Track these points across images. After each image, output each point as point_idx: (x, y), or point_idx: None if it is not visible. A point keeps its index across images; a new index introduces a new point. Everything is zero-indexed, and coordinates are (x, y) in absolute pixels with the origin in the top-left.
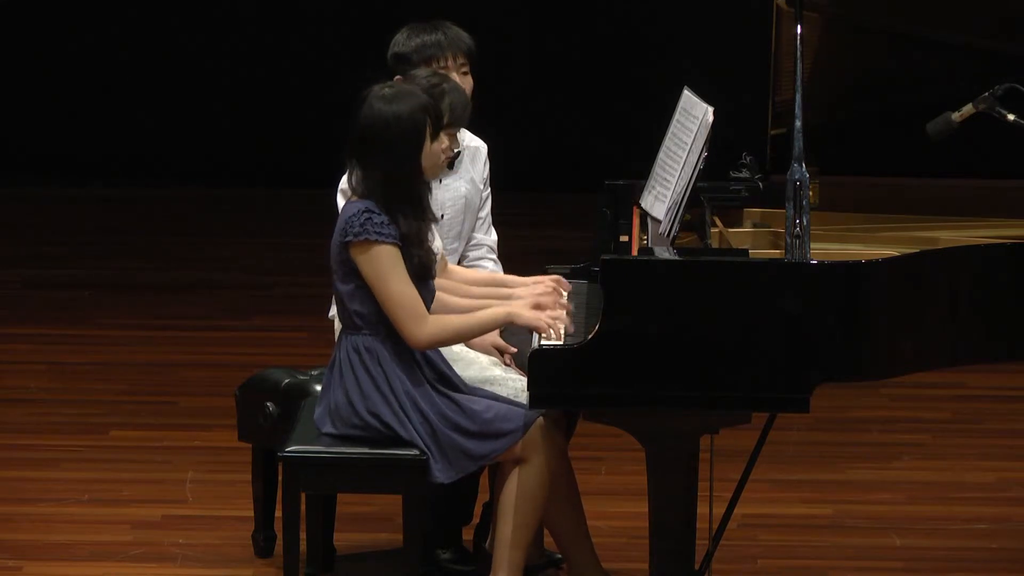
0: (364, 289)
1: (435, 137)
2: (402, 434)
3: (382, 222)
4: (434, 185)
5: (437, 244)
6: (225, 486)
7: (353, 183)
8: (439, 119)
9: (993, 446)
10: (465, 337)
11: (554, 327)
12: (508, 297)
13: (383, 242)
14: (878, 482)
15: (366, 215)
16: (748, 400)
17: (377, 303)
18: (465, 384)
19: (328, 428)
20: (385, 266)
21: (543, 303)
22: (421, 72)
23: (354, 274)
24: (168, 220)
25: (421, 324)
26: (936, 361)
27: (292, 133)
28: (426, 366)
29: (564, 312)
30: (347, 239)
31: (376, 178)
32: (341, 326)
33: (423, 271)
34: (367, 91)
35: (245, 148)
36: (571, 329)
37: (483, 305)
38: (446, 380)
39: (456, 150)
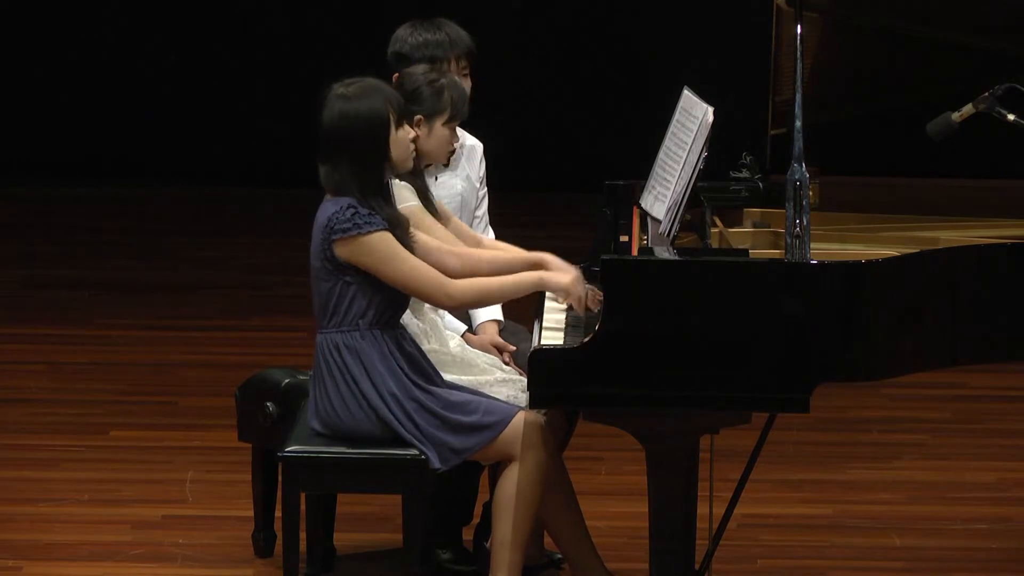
0: (350, 285)
1: (400, 125)
2: (390, 423)
3: (368, 213)
4: (430, 182)
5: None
6: (225, 486)
7: (324, 181)
8: (402, 108)
9: (993, 446)
10: (495, 298)
11: (584, 300)
12: (530, 260)
13: (375, 230)
14: (878, 482)
15: (351, 210)
16: (748, 400)
17: (359, 300)
18: (443, 379)
19: (318, 428)
20: (386, 252)
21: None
22: (418, 69)
23: (340, 271)
24: (168, 220)
25: (446, 287)
26: (936, 361)
27: (292, 133)
28: (405, 362)
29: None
30: (334, 236)
31: (348, 175)
32: (317, 327)
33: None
34: (327, 90)
35: (245, 148)
36: (595, 308)
37: (497, 264)
38: (426, 376)
39: (457, 143)
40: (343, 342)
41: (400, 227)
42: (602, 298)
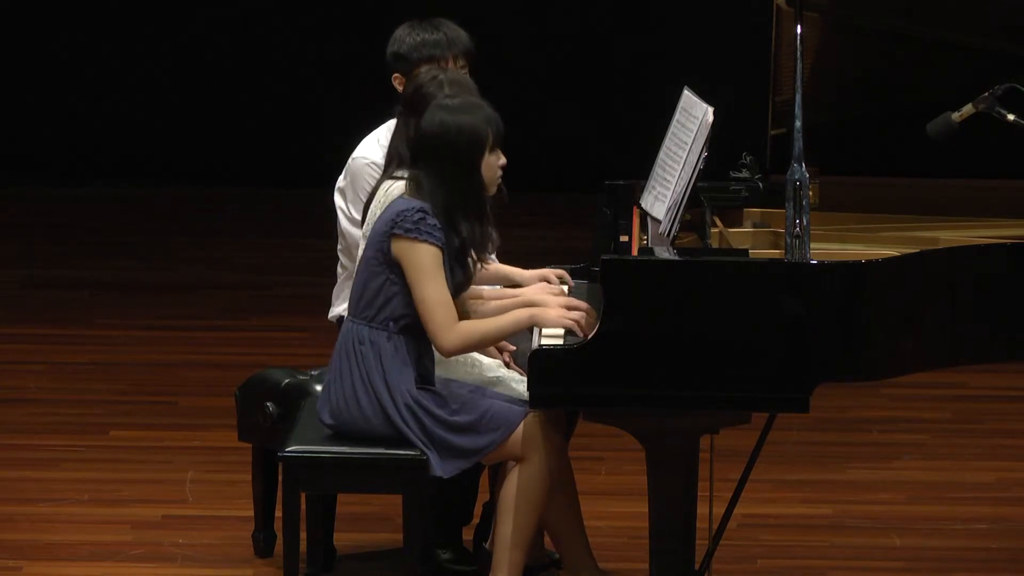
0: (394, 285)
1: (494, 149)
2: (399, 427)
3: (434, 225)
4: None
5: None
6: (225, 486)
7: (411, 185)
8: (500, 131)
9: (993, 446)
10: (490, 342)
11: (580, 323)
12: (522, 302)
13: (431, 243)
14: (878, 482)
15: (420, 214)
16: (748, 400)
17: (398, 302)
18: (447, 382)
19: (327, 418)
20: (428, 267)
21: (562, 302)
22: (423, 71)
23: (389, 267)
24: (168, 220)
25: (451, 330)
26: (936, 361)
27: (292, 133)
28: (421, 373)
29: (585, 306)
30: (396, 231)
31: (434, 184)
32: (348, 312)
33: (467, 280)
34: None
35: (245, 148)
36: (595, 320)
37: (502, 308)
38: (430, 379)
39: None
40: (369, 337)
41: (481, 249)
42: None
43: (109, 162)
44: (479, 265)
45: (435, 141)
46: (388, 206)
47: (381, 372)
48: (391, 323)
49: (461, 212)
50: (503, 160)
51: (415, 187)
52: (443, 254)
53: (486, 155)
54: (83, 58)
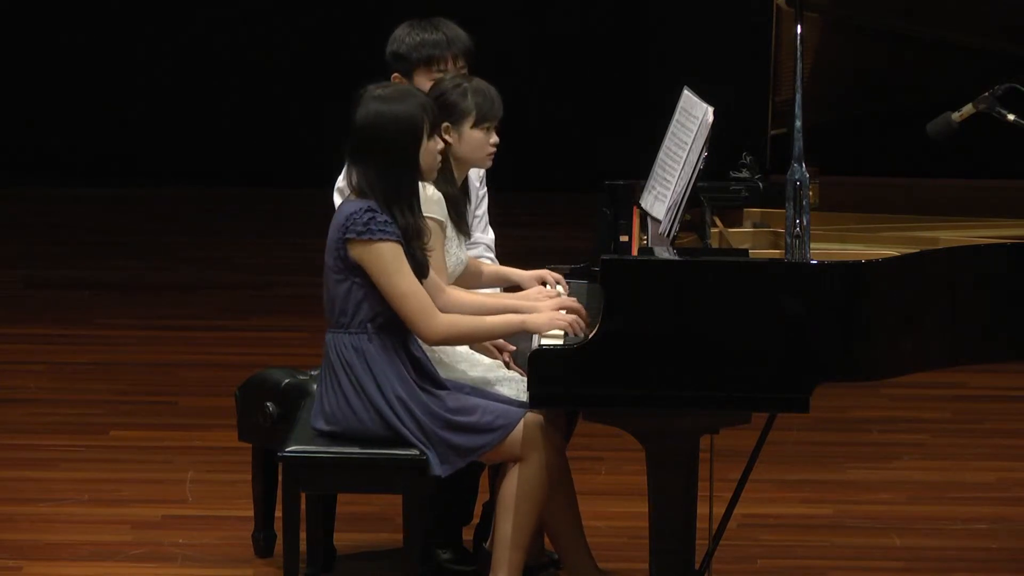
0: (361, 288)
1: (431, 136)
2: (395, 426)
3: (384, 221)
4: (427, 186)
5: (463, 255)
6: (225, 486)
7: (352, 182)
8: (436, 117)
9: (993, 446)
10: (476, 339)
11: (574, 324)
12: (513, 306)
13: (387, 240)
14: (878, 482)
15: (369, 214)
16: (748, 400)
17: (369, 303)
18: (446, 381)
19: (322, 426)
20: (391, 264)
21: (554, 304)
22: (445, 78)
23: (351, 271)
24: (168, 220)
25: (433, 319)
26: (936, 361)
27: (292, 133)
28: (411, 365)
29: (577, 306)
30: (348, 236)
31: (375, 177)
32: (327, 325)
33: (420, 269)
34: (363, 91)
35: (245, 148)
36: (587, 321)
37: (489, 306)
38: (432, 379)
39: (493, 142)
40: (351, 343)
41: (417, 239)
42: (586, 315)
43: (109, 162)
44: (426, 251)
45: (371, 133)
46: (337, 211)
47: (370, 374)
48: (368, 325)
49: (397, 203)
50: (495, 138)
51: (357, 186)
52: (402, 247)
53: (424, 142)
54: (83, 58)
